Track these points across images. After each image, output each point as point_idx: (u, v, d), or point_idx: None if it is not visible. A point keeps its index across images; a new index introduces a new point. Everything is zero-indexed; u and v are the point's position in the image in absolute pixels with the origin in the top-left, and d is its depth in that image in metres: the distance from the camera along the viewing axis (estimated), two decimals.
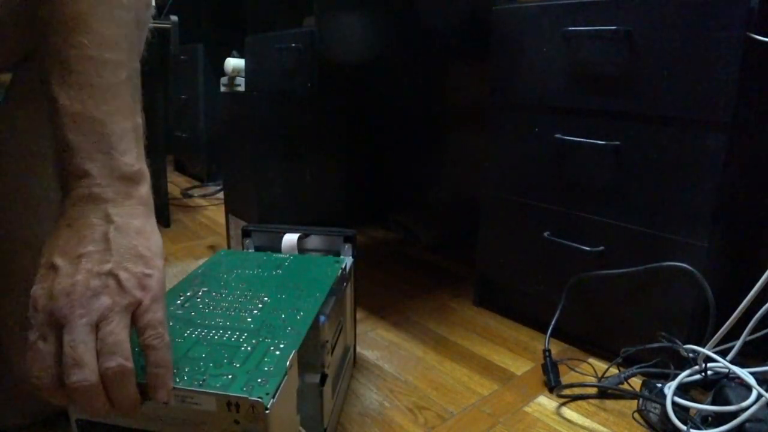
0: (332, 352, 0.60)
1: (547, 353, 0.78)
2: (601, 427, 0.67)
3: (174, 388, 0.40)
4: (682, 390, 0.66)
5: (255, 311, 0.54)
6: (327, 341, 0.57)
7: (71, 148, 0.39)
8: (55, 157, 0.40)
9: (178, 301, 0.56)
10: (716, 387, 0.64)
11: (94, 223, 0.39)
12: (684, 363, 0.69)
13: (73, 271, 0.37)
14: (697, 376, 0.68)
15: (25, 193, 0.55)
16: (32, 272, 0.37)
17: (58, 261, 0.37)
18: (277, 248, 0.73)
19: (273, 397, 0.40)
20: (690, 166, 0.69)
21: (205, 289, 0.59)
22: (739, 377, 0.63)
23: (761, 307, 0.64)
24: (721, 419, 0.61)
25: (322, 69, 1.09)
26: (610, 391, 0.73)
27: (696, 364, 0.68)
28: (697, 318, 0.71)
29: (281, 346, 0.47)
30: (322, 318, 0.55)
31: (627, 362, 0.77)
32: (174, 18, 1.35)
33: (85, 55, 0.40)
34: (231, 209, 1.16)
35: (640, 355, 0.76)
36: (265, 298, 0.57)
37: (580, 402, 0.72)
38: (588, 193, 0.80)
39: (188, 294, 0.58)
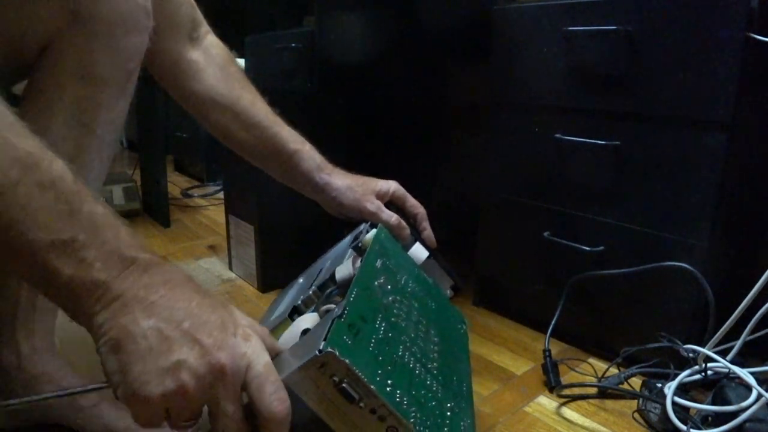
0: None
1: (547, 353, 0.78)
2: (601, 427, 0.67)
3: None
4: (682, 390, 0.66)
5: (434, 354, 0.51)
6: None
7: None
8: None
9: (377, 283, 0.50)
10: (716, 387, 0.64)
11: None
12: (684, 363, 0.69)
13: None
14: (697, 376, 0.68)
15: None
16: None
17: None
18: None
19: None
20: (690, 166, 0.69)
21: (382, 280, 0.53)
22: (739, 377, 0.62)
23: (761, 307, 0.64)
24: (721, 419, 0.60)
25: (322, 69, 1.09)
26: (610, 391, 0.73)
27: (696, 364, 0.68)
28: (697, 318, 0.71)
29: (463, 425, 0.46)
30: None
31: (627, 362, 0.77)
32: None
33: None
34: (231, 209, 1.16)
35: (640, 355, 0.76)
36: (436, 339, 0.54)
37: (580, 402, 0.72)
38: (588, 193, 0.80)
39: (381, 280, 0.52)
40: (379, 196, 0.72)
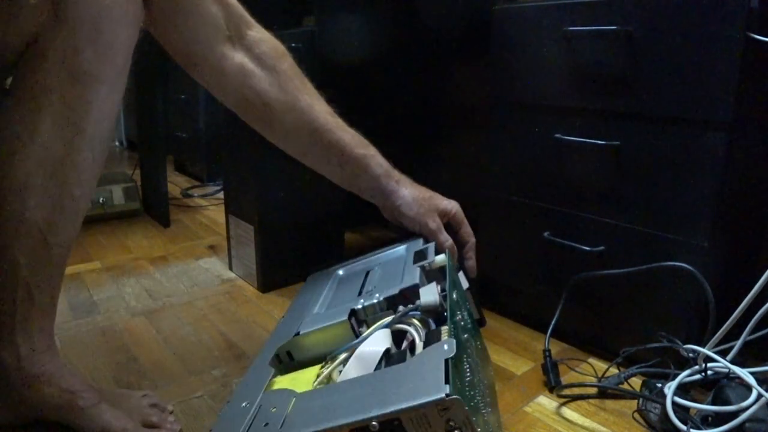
0: None
1: (547, 353, 0.78)
2: (601, 427, 0.67)
3: None
4: (682, 390, 0.66)
5: (487, 399, 0.51)
6: None
7: None
8: None
9: (458, 318, 0.49)
10: (716, 387, 0.64)
11: None
12: (684, 363, 0.69)
13: None
14: (697, 376, 0.68)
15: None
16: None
17: None
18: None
19: None
20: (690, 166, 0.69)
21: (459, 316, 0.52)
22: (739, 377, 0.62)
23: (761, 307, 0.64)
24: (721, 419, 0.61)
25: (322, 69, 1.09)
26: (610, 391, 0.73)
27: (696, 364, 0.68)
28: (697, 318, 0.71)
29: None
30: None
31: (627, 362, 0.77)
32: None
33: None
34: (231, 209, 1.16)
35: (640, 355, 0.76)
36: (485, 381, 0.53)
37: (580, 402, 0.72)
38: (588, 193, 0.80)
39: (459, 316, 0.51)
40: (442, 215, 0.71)
